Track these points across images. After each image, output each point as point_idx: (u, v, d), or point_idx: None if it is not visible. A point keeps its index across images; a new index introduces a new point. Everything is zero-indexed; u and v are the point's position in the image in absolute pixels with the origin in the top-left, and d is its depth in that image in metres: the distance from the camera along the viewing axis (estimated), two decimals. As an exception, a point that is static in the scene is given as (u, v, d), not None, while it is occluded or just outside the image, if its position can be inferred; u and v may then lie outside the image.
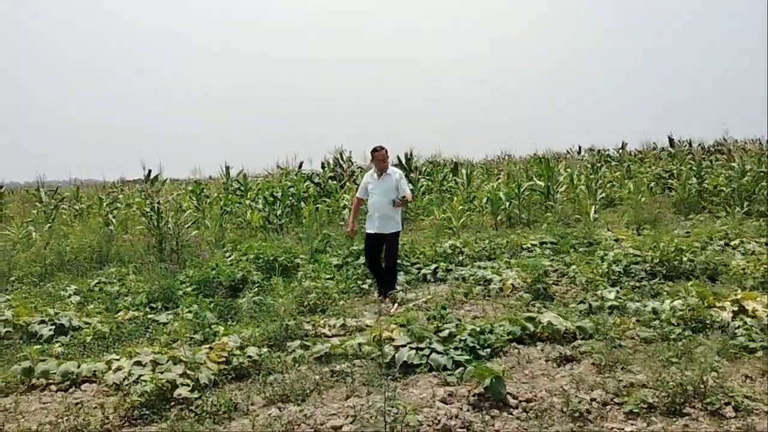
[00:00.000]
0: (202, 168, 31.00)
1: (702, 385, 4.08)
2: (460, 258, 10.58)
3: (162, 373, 4.95)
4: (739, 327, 5.27)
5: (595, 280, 7.72)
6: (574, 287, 7.80)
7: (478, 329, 5.39)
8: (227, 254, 10.66)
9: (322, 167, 19.46)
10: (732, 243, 9.93)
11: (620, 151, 28.20)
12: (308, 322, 6.68)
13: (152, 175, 17.98)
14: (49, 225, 14.44)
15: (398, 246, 8.68)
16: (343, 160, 19.29)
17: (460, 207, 14.33)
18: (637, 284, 7.57)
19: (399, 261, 9.97)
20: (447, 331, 5.34)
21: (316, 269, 9.60)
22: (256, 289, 8.50)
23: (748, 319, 5.38)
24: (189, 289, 8.91)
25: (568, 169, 16.95)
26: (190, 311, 7.49)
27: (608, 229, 12.65)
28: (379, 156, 8.17)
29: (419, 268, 9.92)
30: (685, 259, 7.87)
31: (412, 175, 17.93)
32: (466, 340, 5.24)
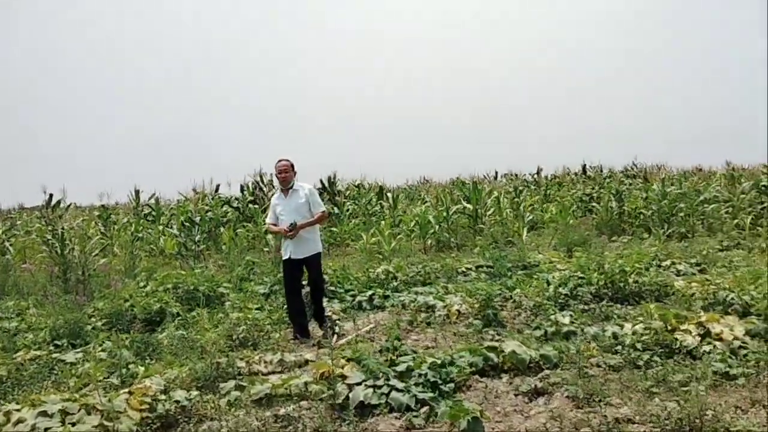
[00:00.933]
0: (111, 193, 29.33)
1: (698, 420, 3.71)
2: (395, 283, 10.11)
3: (74, 425, 4.18)
4: (710, 352, 5.00)
5: (543, 304, 7.40)
6: (522, 312, 7.44)
7: (438, 362, 4.88)
8: (142, 284, 9.73)
9: (241, 190, 18.62)
10: (663, 264, 9.91)
11: (535, 176, 28.71)
12: (241, 359, 5.98)
13: (54, 201, 16.70)
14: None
15: (322, 270, 7.67)
16: (263, 183, 18.52)
17: (388, 231, 13.90)
18: (586, 307, 7.29)
19: (330, 288, 9.40)
20: (404, 365, 4.80)
21: (242, 299, 8.88)
22: (177, 323, 7.68)
23: (716, 343, 5.13)
24: (99, 323, 8.00)
25: (494, 193, 16.85)
26: (102, 349, 6.63)
27: (539, 252, 12.52)
28: (280, 168, 7.07)
29: (353, 295, 9.37)
30: (630, 280, 7.67)
31: (336, 198, 17.41)
32: (426, 374, 4.71)
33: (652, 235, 14.39)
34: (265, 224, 7.52)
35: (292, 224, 6.86)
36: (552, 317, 6.54)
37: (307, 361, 5.98)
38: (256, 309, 8.22)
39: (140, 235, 13.43)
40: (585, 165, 27.95)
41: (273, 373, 5.83)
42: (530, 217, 16.03)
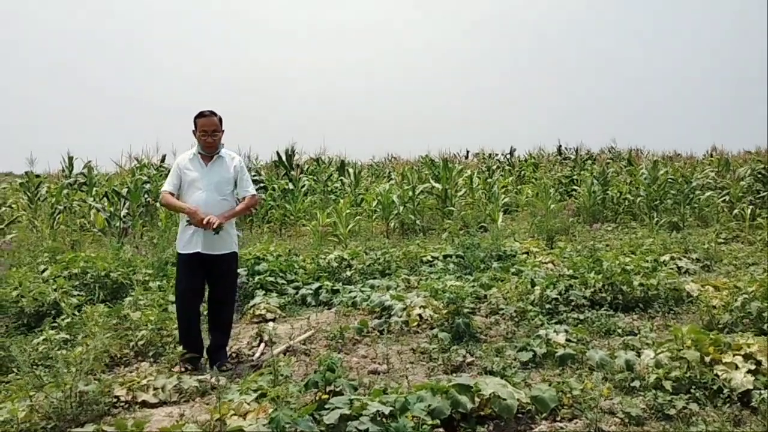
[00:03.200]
0: (43, 160, 27.12)
1: None
2: (348, 273, 8.58)
3: None
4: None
5: (527, 310, 5.92)
6: (501, 320, 5.94)
7: (386, 408, 3.33)
8: (42, 267, 8.02)
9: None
10: (662, 260, 8.51)
11: (508, 156, 27.28)
12: (122, 383, 4.37)
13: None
14: None
15: (237, 279, 5.69)
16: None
17: (347, 211, 12.29)
18: (581, 316, 5.83)
19: (269, 278, 7.80)
20: (335, 414, 3.25)
21: (163, 289, 7.24)
22: (62, 322, 6.01)
23: (775, 384, 3.68)
24: (-29, 318, 6.32)
25: (466, 172, 15.33)
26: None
27: (515, 240, 11.07)
28: (206, 124, 5.01)
29: (297, 288, 7.82)
30: (636, 283, 6.20)
31: (292, 173, 15.71)
32: (368, 430, 3.17)
33: (639, 223, 13.06)
34: (161, 193, 5.18)
35: (224, 215, 4.92)
36: (542, 332, 5.03)
37: (213, 388, 4.41)
38: (173, 304, 6.60)
39: (61, 207, 11.62)
40: (560, 146, 26.57)
41: (165, 404, 4.25)
42: (505, 200, 14.56)
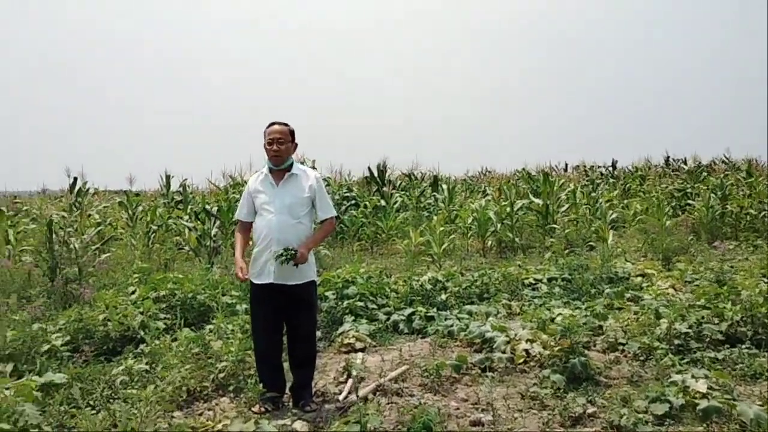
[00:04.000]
0: (143, 178, 27.99)
1: None
2: (443, 297, 7.96)
3: None
4: None
5: (653, 346, 5.12)
6: (623, 359, 5.17)
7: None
8: (131, 290, 7.87)
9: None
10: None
11: (611, 168, 25.88)
12: (195, 428, 3.95)
13: (78, 184, 15.17)
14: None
15: (317, 311, 5.18)
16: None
17: (441, 228, 11.68)
18: (717, 355, 4.97)
19: (358, 303, 7.29)
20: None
21: (240, 319, 6.87)
22: (149, 349, 5.71)
23: None
24: (59, 342, 6.13)
25: (569, 186, 14.39)
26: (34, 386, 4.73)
27: (626, 260, 10.12)
28: (272, 132, 4.49)
29: (389, 313, 7.28)
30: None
31: (384, 189, 15.27)
32: None
33: (765, 241, 11.76)
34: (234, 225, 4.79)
35: (289, 251, 4.31)
36: (676, 377, 4.24)
37: (294, 435, 3.92)
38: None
39: (154, 226, 11.64)
40: (668, 157, 24.94)
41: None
42: (613, 216, 13.51)
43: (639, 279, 8.63)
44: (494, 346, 5.53)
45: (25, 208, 14.06)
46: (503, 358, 5.18)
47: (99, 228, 11.27)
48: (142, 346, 5.96)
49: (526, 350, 5.28)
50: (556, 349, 4.97)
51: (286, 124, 4.58)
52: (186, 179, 16.39)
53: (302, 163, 17.31)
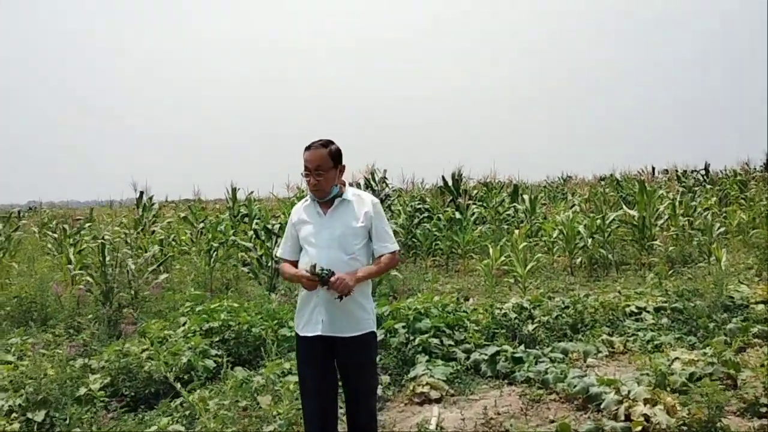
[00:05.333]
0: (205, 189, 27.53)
1: None
2: (530, 328, 6.90)
3: None
4: None
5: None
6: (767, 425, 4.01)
7: None
8: (182, 321, 7.15)
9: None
10: None
11: (703, 172, 23.87)
12: None
13: (145, 198, 14.85)
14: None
15: (377, 369, 4.19)
16: (375, 181, 15.75)
17: (524, 244, 10.54)
18: None
19: (432, 339, 6.30)
20: None
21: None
22: (190, 400, 4.92)
23: None
24: (96, 385, 5.45)
25: (669, 195, 12.95)
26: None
27: (739, 281, 8.76)
28: (308, 159, 3.54)
29: (468, 351, 6.28)
30: None
31: (459, 200, 14.21)
32: None
33: None
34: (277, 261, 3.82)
35: (323, 271, 3.36)
36: None
37: None
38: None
39: (215, 243, 10.99)
40: (771, 159, 22.76)
41: None
42: (721, 229, 12.01)
43: (761, 307, 7.33)
44: (602, 406, 4.47)
45: (87, 225, 13.79)
46: (617, 428, 4.10)
47: (161, 247, 10.75)
48: (182, 398, 5.21)
49: (645, 415, 4.18)
50: (682, 410, 3.86)
51: (325, 145, 3.58)
52: (252, 192, 15.86)
53: (372, 175, 16.38)
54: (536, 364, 5.73)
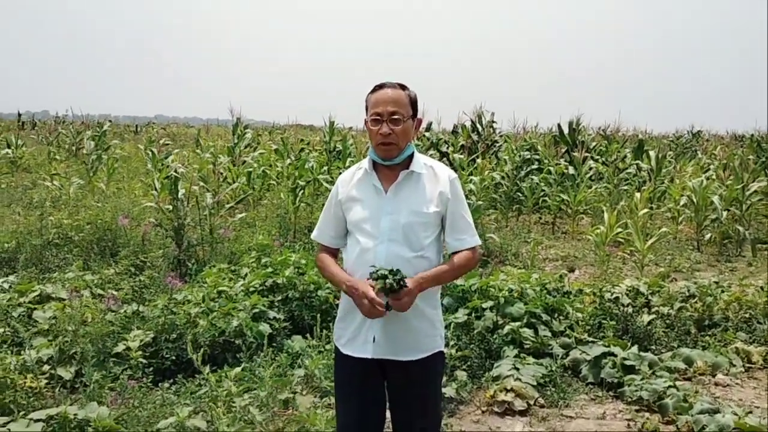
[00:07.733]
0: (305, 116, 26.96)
1: None
2: (645, 320, 5.69)
3: None
4: None
5: None
6: None
7: None
8: (243, 273, 6.41)
9: (453, 132, 14.79)
10: None
11: None
12: None
13: (239, 122, 14.26)
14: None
15: (440, 397, 2.88)
16: (481, 125, 14.48)
17: (644, 210, 9.07)
18: None
19: (524, 328, 5.24)
20: None
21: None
22: (233, 373, 4.15)
23: None
24: (135, 343, 4.81)
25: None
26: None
27: None
28: (386, 105, 2.48)
29: (567, 346, 5.19)
30: None
31: (575, 153, 12.71)
32: None
33: None
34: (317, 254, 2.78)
35: (394, 280, 2.35)
36: None
37: None
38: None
39: (302, 182, 10.20)
40: None
41: None
42: None
43: None
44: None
45: (175, 152, 13.40)
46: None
47: (248, 180, 10.09)
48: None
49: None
50: None
51: (403, 87, 2.56)
52: (350, 128, 14.99)
53: (478, 117, 15.09)
54: (651, 375, 4.60)
